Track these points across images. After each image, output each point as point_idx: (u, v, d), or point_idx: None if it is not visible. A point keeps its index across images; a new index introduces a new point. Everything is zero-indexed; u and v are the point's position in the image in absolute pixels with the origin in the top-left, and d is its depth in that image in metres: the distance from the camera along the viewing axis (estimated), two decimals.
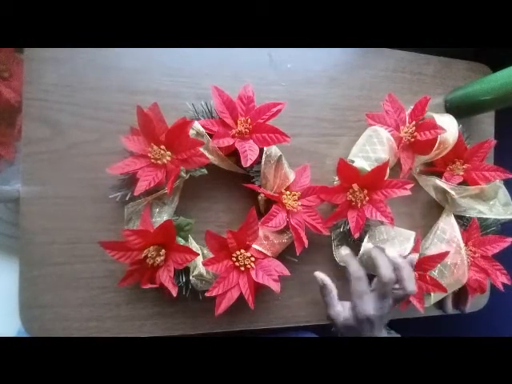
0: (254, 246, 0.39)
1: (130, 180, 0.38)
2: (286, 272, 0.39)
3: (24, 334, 0.40)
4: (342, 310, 0.38)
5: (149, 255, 0.36)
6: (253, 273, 0.38)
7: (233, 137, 0.39)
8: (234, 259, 0.38)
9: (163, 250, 0.37)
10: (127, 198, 0.39)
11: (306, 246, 0.40)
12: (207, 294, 0.36)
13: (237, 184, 0.43)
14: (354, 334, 0.37)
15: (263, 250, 0.40)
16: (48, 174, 0.39)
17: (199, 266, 0.38)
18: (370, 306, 0.35)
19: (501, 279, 0.48)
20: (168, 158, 0.36)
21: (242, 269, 0.38)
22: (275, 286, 0.37)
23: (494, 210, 0.48)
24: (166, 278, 0.36)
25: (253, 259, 0.38)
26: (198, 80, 0.43)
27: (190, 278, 0.38)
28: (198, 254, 0.36)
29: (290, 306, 0.47)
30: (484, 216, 0.48)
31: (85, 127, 0.40)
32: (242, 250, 0.38)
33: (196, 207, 0.43)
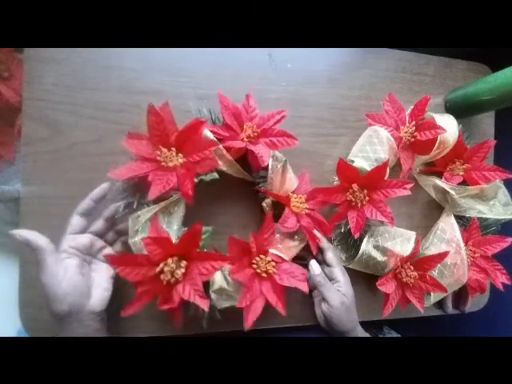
0: (272, 250, 0.38)
1: (136, 186, 0.36)
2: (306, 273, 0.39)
3: (24, 334, 0.40)
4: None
5: (166, 269, 0.31)
6: (276, 277, 0.37)
7: (242, 141, 0.39)
8: (255, 266, 0.36)
9: (184, 262, 0.32)
10: (134, 207, 0.36)
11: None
12: (238, 305, 0.33)
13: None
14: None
15: (281, 254, 0.39)
16: (48, 174, 0.39)
17: (217, 279, 0.35)
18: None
19: (501, 279, 0.48)
20: (180, 161, 0.34)
21: (264, 275, 0.36)
22: (303, 287, 0.37)
23: (494, 210, 0.48)
24: (191, 293, 0.31)
25: (273, 264, 0.37)
26: (198, 80, 0.43)
27: (210, 293, 0.35)
28: (229, 259, 0.33)
29: (290, 306, 0.46)
30: (484, 216, 0.48)
31: (85, 127, 0.40)
32: (262, 256, 0.37)
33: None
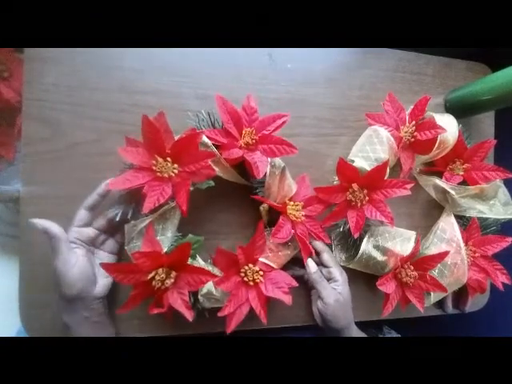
0: (261, 258, 0.38)
1: (130, 194, 0.36)
2: (295, 283, 0.38)
3: (24, 334, 0.40)
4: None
5: (157, 278, 0.32)
6: (262, 286, 0.37)
7: (240, 148, 0.38)
8: (243, 274, 0.37)
9: (174, 273, 0.33)
10: (129, 216, 0.36)
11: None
12: (220, 314, 0.34)
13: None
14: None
15: (269, 263, 0.39)
16: (48, 174, 0.39)
17: (207, 285, 0.36)
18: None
19: (501, 279, 0.48)
20: (175, 171, 0.34)
21: (251, 284, 0.37)
22: (287, 299, 0.37)
23: (494, 210, 0.48)
24: (178, 301, 0.33)
25: (261, 273, 0.37)
26: (198, 80, 0.43)
27: (199, 296, 0.37)
28: (216, 276, 0.33)
29: (290, 306, 0.46)
30: (484, 216, 0.48)
31: (85, 127, 0.40)
32: (250, 265, 0.37)
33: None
